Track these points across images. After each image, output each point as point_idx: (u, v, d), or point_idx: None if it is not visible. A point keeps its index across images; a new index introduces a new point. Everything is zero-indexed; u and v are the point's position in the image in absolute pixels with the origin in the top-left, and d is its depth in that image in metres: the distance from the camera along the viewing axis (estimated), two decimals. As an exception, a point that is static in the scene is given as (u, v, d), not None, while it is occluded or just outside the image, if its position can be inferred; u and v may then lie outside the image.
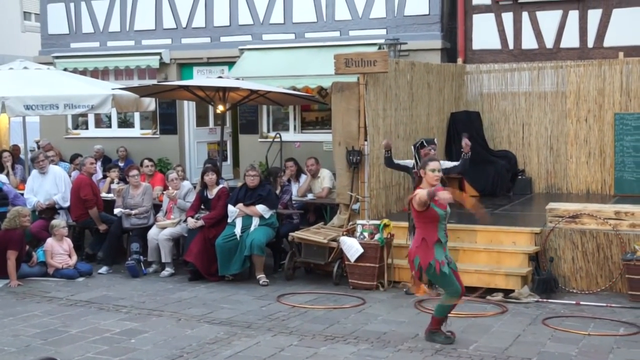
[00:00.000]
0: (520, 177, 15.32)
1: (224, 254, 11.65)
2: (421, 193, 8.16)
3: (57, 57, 19.54)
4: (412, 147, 11.32)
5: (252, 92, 14.27)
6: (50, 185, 13.37)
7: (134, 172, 13.20)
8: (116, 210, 13.02)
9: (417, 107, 13.70)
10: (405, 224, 11.05)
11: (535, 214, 12.57)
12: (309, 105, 17.41)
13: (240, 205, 11.82)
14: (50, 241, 12.32)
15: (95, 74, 18.95)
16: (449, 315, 8.71)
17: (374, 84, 12.13)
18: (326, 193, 13.74)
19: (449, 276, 8.36)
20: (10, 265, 11.60)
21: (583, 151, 15.02)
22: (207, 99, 14.55)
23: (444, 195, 7.93)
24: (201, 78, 18.15)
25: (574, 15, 15.25)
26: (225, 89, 14.10)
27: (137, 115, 19.42)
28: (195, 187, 13.37)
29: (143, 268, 12.40)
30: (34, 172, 13.57)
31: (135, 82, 18.61)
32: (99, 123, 20.08)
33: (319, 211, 13.83)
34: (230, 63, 17.76)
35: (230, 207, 11.87)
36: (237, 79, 15.72)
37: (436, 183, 8.39)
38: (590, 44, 15.20)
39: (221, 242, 11.67)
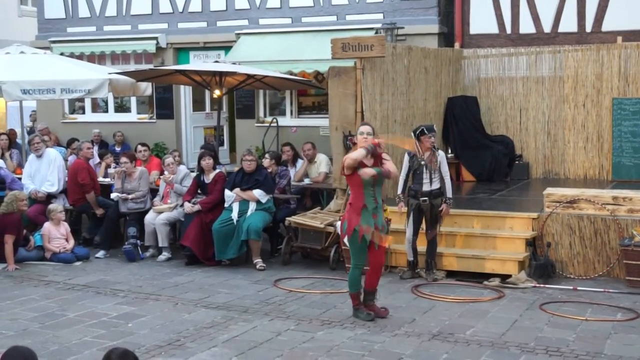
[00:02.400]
0: (517, 162, 15.27)
1: (221, 238, 11.63)
2: (351, 156, 8.53)
3: (53, 42, 19.50)
4: (412, 133, 11.18)
5: (249, 76, 14.24)
6: (46, 169, 13.30)
7: (123, 159, 13.14)
8: (113, 195, 12.99)
9: (414, 91, 13.66)
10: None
11: (533, 199, 12.55)
12: (305, 90, 17.39)
13: (237, 190, 11.80)
14: (47, 225, 12.30)
15: (91, 58, 18.94)
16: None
17: (371, 69, 12.09)
18: (323, 178, 13.71)
19: (363, 248, 8.64)
20: (7, 249, 11.59)
21: (581, 136, 14.98)
22: (203, 83, 14.52)
23: (365, 172, 8.46)
24: (198, 63, 18.14)
25: (572, -1, 15.22)
26: (221, 74, 14.08)
27: (133, 100, 19.42)
28: (191, 172, 13.34)
29: (140, 252, 12.40)
30: (31, 156, 13.53)
31: (132, 67, 18.58)
32: (95, 108, 20.08)
33: (316, 196, 13.82)
34: (226, 48, 17.73)
35: (227, 192, 11.86)
36: (234, 63, 15.69)
37: (365, 145, 8.54)
38: (589, 28, 15.13)
39: (218, 226, 11.65)
